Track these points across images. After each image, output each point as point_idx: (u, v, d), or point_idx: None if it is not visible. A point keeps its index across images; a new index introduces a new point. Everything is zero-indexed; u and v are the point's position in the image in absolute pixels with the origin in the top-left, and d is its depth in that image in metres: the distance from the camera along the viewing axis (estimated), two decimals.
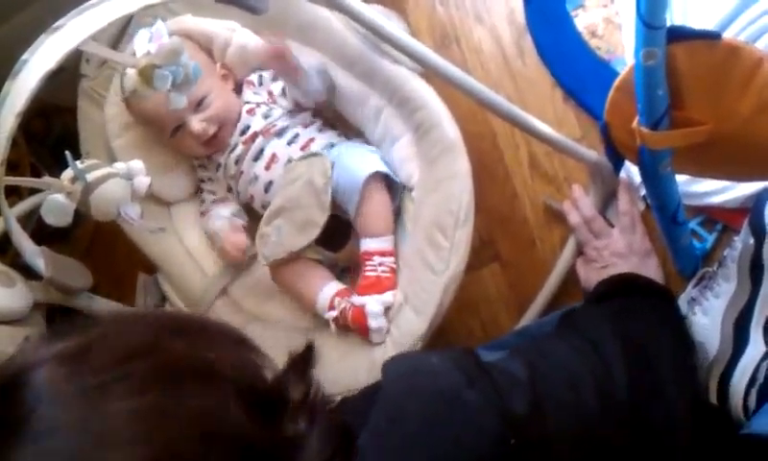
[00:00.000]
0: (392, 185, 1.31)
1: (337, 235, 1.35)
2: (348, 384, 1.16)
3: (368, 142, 1.39)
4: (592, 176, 1.33)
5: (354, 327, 1.28)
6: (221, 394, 0.64)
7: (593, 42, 1.38)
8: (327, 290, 1.33)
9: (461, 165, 1.20)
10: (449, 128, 1.22)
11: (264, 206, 1.39)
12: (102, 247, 1.94)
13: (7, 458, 0.56)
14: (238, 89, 1.43)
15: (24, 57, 1.08)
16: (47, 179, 1.14)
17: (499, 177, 1.48)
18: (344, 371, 1.24)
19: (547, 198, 1.44)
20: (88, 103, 1.48)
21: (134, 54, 1.15)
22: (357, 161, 1.29)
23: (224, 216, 1.44)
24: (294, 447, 0.66)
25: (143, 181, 1.23)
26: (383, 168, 1.29)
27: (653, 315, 1.06)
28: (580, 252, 1.36)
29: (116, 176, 1.18)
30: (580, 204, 1.34)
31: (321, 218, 1.30)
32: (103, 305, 1.32)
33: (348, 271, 1.42)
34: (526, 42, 1.46)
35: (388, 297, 1.25)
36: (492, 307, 1.50)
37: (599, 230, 1.31)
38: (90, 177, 1.16)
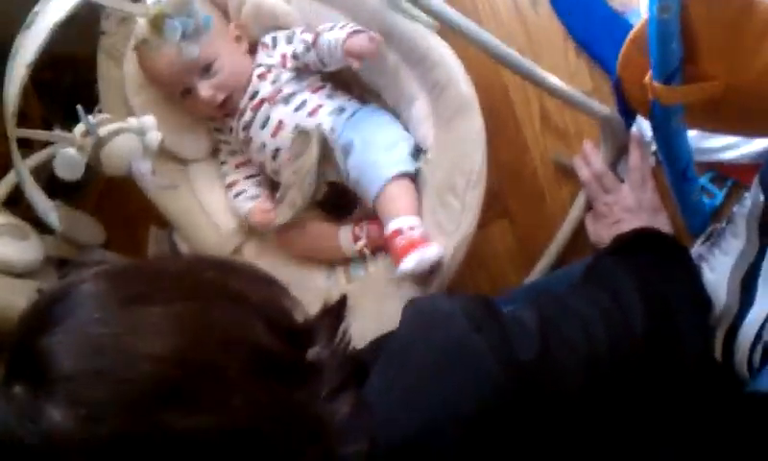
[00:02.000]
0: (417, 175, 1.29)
1: (343, 202, 1.35)
2: (355, 340, 1.16)
3: (384, 104, 1.37)
4: (603, 131, 1.33)
5: (383, 243, 1.29)
6: (247, 314, 0.70)
7: None
8: (345, 229, 1.35)
9: (475, 125, 1.19)
10: (464, 86, 1.21)
11: (274, 172, 1.39)
12: (114, 201, 1.95)
13: (39, 342, 0.63)
14: (252, 50, 1.41)
15: (35, 9, 1.08)
16: (59, 132, 1.14)
17: (510, 130, 1.47)
18: (352, 326, 1.24)
19: (557, 154, 1.44)
20: (108, 60, 1.46)
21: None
22: (382, 158, 1.27)
23: (250, 196, 1.44)
24: (312, 370, 0.73)
25: (155, 137, 1.24)
26: (410, 167, 1.26)
27: (672, 269, 1.06)
28: (589, 207, 1.36)
29: (128, 131, 1.19)
30: (590, 159, 1.34)
31: (299, 199, 1.30)
32: (113, 258, 1.33)
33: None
34: None
35: (432, 249, 1.18)
36: (500, 262, 1.51)
37: (609, 186, 1.31)
38: (102, 131, 1.16)
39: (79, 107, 1.12)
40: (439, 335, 0.80)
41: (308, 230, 1.37)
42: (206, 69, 1.33)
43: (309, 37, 1.33)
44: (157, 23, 1.10)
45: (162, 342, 0.64)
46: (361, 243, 1.32)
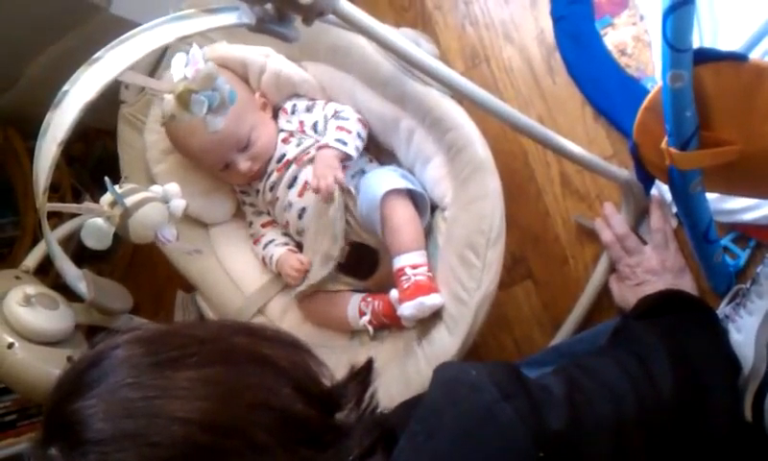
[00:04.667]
0: (419, 202, 1.33)
1: (366, 263, 1.37)
2: (380, 401, 1.17)
3: (400, 165, 1.40)
4: (624, 193, 1.34)
5: (387, 320, 1.33)
6: (275, 378, 0.72)
7: (623, 61, 1.39)
8: (353, 302, 1.37)
9: (492, 185, 1.21)
10: (480, 148, 1.23)
11: (298, 233, 1.42)
12: (141, 266, 1.99)
13: (73, 406, 0.65)
14: (274, 114, 1.46)
15: (65, 88, 1.12)
16: (87, 204, 1.17)
17: (531, 195, 1.48)
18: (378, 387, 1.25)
19: (579, 216, 1.44)
20: (128, 128, 1.51)
21: (172, 78, 1.18)
22: (375, 182, 1.31)
23: (281, 243, 1.47)
24: (339, 434, 0.74)
25: (179, 204, 1.26)
26: (401, 184, 1.30)
27: (699, 331, 1.06)
28: (613, 269, 1.36)
29: (154, 200, 1.21)
30: (612, 221, 1.34)
31: (335, 250, 1.33)
32: (145, 325, 1.34)
33: None
34: (556, 61, 1.47)
35: (434, 298, 1.23)
36: (525, 325, 1.50)
37: (632, 248, 1.31)
38: (129, 201, 1.19)
39: (106, 178, 1.15)
40: (467, 403, 0.80)
41: (321, 298, 1.40)
42: (245, 145, 1.37)
43: (331, 111, 1.39)
44: (184, 99, 1.13)
45: (192, 406, 0.65)
46: (365, 319, 1.34)
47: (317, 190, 1.32)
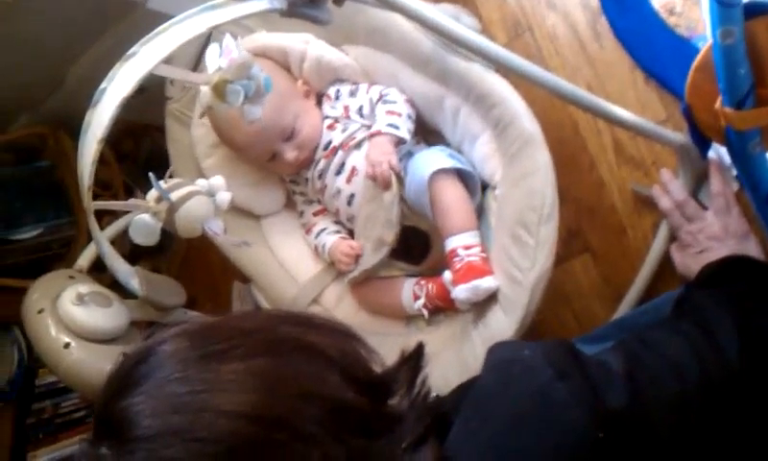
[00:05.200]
0: (468, 181, 1.30)
1: (418, 247, 1.35)
2: (438, 387, 1.15)
3: (448, 145, 1.37)
4: (681, 158, 1.29)
5: (441, 304, 1.31)
6: (323, 367, 0.70)
7: (672, 21, 1.33)
8: (407, 286, 1.35)
9: (542, 159, 1.17)
10: (528, 122, 1.19)
11: (349, 219, 1.41)
12: (196, 260, 2.00)
13: (121, 403, 0.65)
14: (318, 101, 1.44)
15: (102, 85, 1.12)
16: (133, 201, 1.17)
17: (584, 165, 1.44)
18: (433, 373, 1.23)
19: (635, 184, 1.40)
20: (175, 124, 1.51)
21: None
22: (422, 163, 1.29)
23: (332, 231, 1.46)
24: (391, 421, 0.71)
25: (225, 197, 1.26)
26: (448, 163, 1.27)
27: (766, 296, 1.00)
28: (673, 237, 1.31)
29: (199, 193, 1.21)
30: (670, 187, 1.30)
31: (389, 236, 1.31)
32: (193, 317, 1.35)
33: None
34: (602, 25, 1.42)
35: (488, 281, 1.20)
36: (584, 299, 1.47)
37: (692, 214, 1.26)
38: (174, 196, 1.19)
39: (151, 174, 1.15)
40: (521, 385, 0.77)
41: (375, 284, 1.38)
42: (290, 134, 1.36)
43: (375, 95, 1.37)
44: (220, 89, 1.12)
45: (239, 398, 0.64)
46: (419, 303, 1.32)
47: (373, 177, 1.30)
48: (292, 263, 1.48)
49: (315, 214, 1.48)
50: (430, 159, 1.29)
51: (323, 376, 0.70)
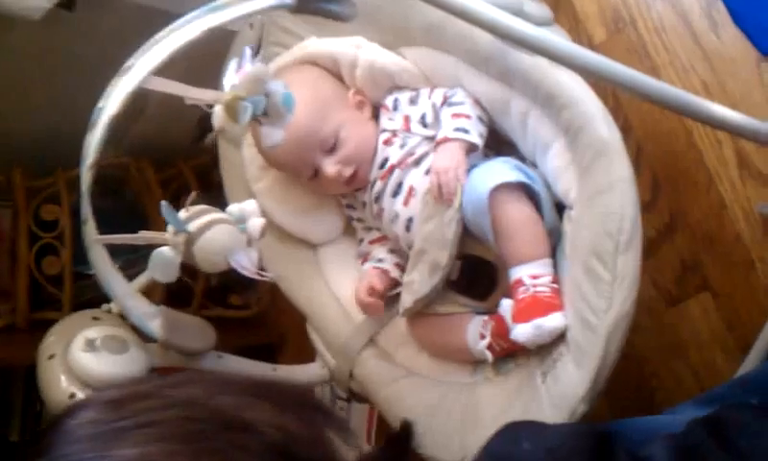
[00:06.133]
0: (536, 199, 1.08)
1: (482, 280, 1.14)
2: None
3: (521, 157, 1.15)
4: None
5: (503, 343, 1.09)
6: (256, 455, 0.57)
7: None
8: (474, 324, 1.13)
9: (618, 171, 0.95)
10: (602, 126, 0.97)
11: (409, 247, 1.21)
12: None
13: None
14: (376, 114, 1.26)
15: (99, 104, 1.01)
16: (143, 233, 1.04)
17: (701, 183, 1.21)
18: None
19: (763, 205, 1.15)
20: (227, 144, 1.38)
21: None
22: (480, 178, 1.08)
23: (376, 257, 1.28)
24: None
25: (256, 224, 1.10)
26: (512, 176, 1.06)
27: None
28: None
29: (222, 221, 1.06)
30: None
31: (443, 257, 1.10)
32: (232, 364, 1.20)
33: None
34: (719, 12, 1.20)
35: (554, 320, 1.00)
36: (704, 349, 1.24)
37: None
38: (193, 226, 1.05)
39: (163, 202, 1.02)
40: None
41: (437, 322, 1.17)
42: (331, 146, 1.19)
43: (439, 98, 1.18)
44: (232, 108, 0.97)
45: None
46: (484, 343, 1.10)
47: (437, 188, 1.10)
48: (347, 299, 1.30)
49: (372, 242, 1.30)
50: (490, 172, 1.08)
51: None
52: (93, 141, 0.97)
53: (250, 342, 1.75)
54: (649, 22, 1.24)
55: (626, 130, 1.24)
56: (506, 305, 1.05)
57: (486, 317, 1.13)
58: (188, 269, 1.18)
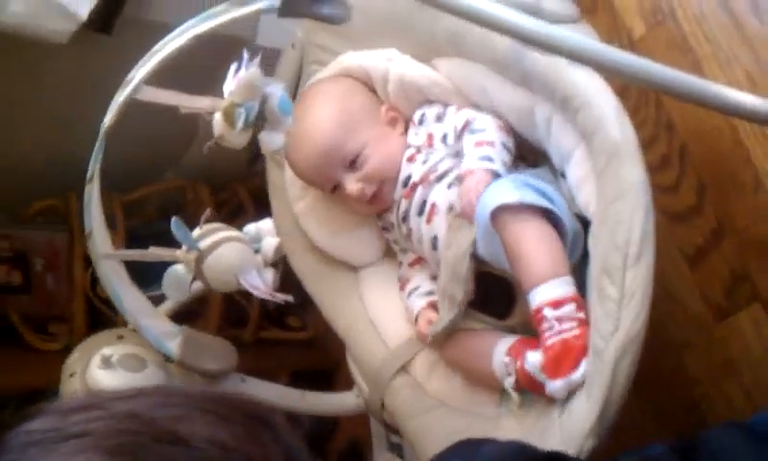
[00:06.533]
0: (557, 220, 0.99)
1: (500, 297, 1.07)
2: None
3: (552, 167, 1.08)
4: None
5: (530, 389, 1.01)
6: None
7: None
8: (498, 352, 1.04)
9: (629, 176, 0.87)
10: (615, 127, 0.89)
11: (438, 267, 1.15)
12: None
13: None
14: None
15: (104, 120, 1.01)
16: (153, 249, 1.05)
17: (748, 185, 1.08)
18: None
19: None
20: (275, 168, 1.33)
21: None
22: (483, 200, 1.00)
23: (424, 292, 1.21)
24: None
25: (270, 243, 1.10)
26: (512, 197, 0.97)
27: None
28: None
29: (233, 240, 1.06)
30: None
31: (459, 293, 1.04)
32: (254, 388, 1.18)
33: None
34: None
35: (583, 368, 0.92)
36: (757, 366, 1.11)
37: None
38: (203, 243, 1.05)
39: (174, 218, 1.02)
40: None
41: (462, 343, 1.10)
42: (353, 161, 1.15)
43: (460, 122, 1.12)
44: (229, 114, 0.95)
45: None
46: (510, 381, 1.02)
47: (462, 211, 1.05)
48: (384, 324, 1.25)
49: (411, 265, 1.24)
50: (493, 194, 1.00)
51: None
52: (93, 153, 0.98)
53: (306, 366, 1.72)
54: (688, 12, 1.12)
55: (669, 128, 1.14)
56: (532, 359, 0.97)
57: (512, 342, 1.05)
58: (244, 291, 1.18)
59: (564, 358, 0.93)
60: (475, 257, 1.04)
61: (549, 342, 0.94)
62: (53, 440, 0.56)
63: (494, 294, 1.07)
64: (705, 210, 1.11)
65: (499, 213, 0.97)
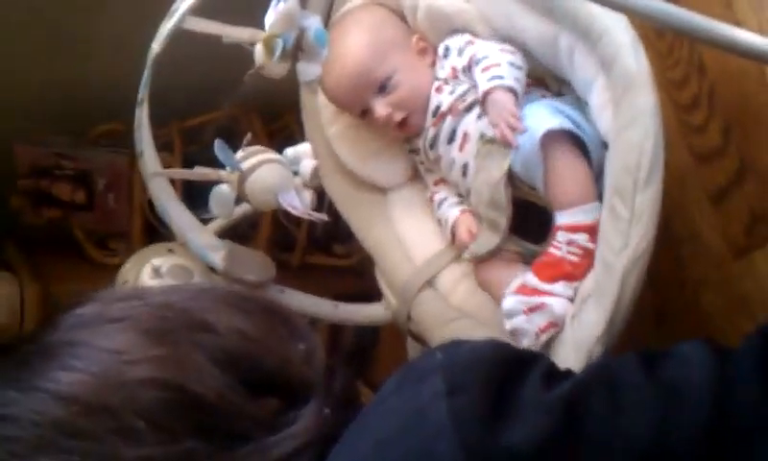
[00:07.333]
0: (582, 142, 1.05)
1: (538, 223, 1.12)
2: None
3: (577, 97, 1.12)
4: None
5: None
6: (201, 353, 0.63)
7: None
8: (510, 289, 1.10)
9: (642, 104, 0.91)
10: (631, 56, 0.93)
11: (467, 192, 1.21)
12: None
13: None
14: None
15: (152, 46, 1.08)
16: (198, 169, 1.13)
17: None
18: None
19: None
20: (308, 94, 1.40)
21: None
22: (534, 121, 1.05)
23: (454, 202, 1.28)
24: (261, 427, 0.62)
25: (307, 166, 1.16)
26: (554, 122, 1.03)
27: None
28: None
29: (272, 162, 1.13)
30: None
31: (501, 220, 1.11)
32: (291, 298, 1.26)
33: None
34: None
35: (551, 305, 1.02)
36: None
37: None
38: (245, 165, 1.12)
39: (217, 140, 1.09)
40: (402, 398, 0.60)
41: (496, 265, 1.16)
42: (383, 86, 1.21)
43: (466, 60, 1.17)
44: (269, 45, 1.02)
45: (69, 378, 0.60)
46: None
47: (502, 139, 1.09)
48: (410, 241, 1.32)
49: (435, 183, 1.30)
50: (538, 116, 1.06)
51: (194, 364, 0.62)
52: (142, 79, 1.05)
53: (349, 290, 1.80)
54: None
55: (701, 69, 1.16)
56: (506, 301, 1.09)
57: (519, 285, 1.10)
58: (293, 218, 1.26)
59: (549, 269, 1.02)
60: (511, 182, 1.10)
61: (552, 250, 1.04)
62: (97, 322, 0.65)
63: (529, 220, 1.13)
64: (729, 151, 1.13)
65: (545, 138, 1.03)
